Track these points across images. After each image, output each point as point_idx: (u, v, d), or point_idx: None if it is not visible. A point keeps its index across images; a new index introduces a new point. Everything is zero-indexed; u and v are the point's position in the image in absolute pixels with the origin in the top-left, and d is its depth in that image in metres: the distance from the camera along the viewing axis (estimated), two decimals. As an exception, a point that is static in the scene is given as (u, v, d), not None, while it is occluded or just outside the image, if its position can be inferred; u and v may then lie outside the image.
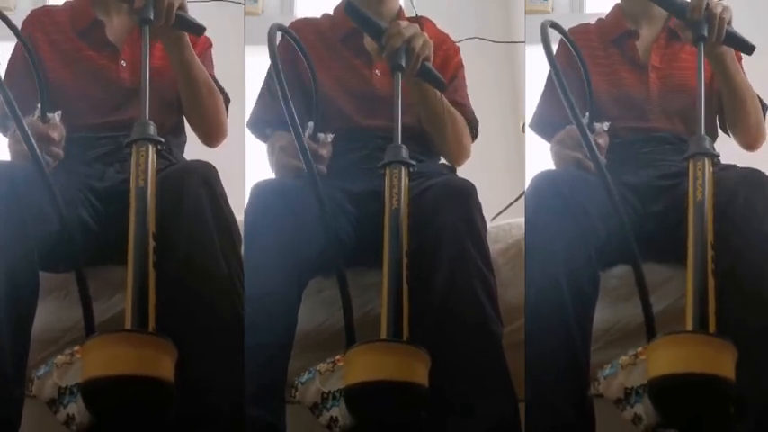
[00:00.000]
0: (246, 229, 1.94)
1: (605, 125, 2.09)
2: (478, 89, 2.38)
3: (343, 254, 1.94)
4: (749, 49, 2.05)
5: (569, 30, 2.28)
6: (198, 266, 1.86)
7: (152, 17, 1.93)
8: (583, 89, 2.12)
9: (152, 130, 1.87)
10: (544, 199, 1.94)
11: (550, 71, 1.91)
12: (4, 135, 2.13)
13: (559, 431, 1.87)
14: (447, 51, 2.29)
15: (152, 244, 1.79)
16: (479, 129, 2.31)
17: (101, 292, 1.98)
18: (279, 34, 1.98)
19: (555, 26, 1.99)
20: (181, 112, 2.23)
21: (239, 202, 1.98)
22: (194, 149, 2.26)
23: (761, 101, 2.22)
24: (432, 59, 2.05)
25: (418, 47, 2.00)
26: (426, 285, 1.91)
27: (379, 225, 1.93)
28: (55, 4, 2.40)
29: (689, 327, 1.77)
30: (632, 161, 2.17)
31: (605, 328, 2.04)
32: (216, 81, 2.22)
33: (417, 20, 2.27)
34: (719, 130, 2.26)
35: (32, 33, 2.18)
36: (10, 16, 1.96)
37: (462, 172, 2.27)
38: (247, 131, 2.25)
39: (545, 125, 2.22)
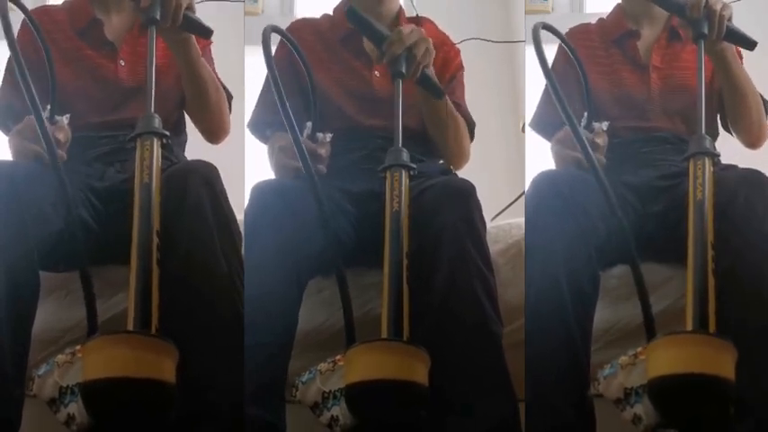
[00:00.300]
0: (246, 228, 1.94)
1: (604, 125, 2.09)
2: (478, 89, 2.39)
3: (342, 254, 1.94)
4: (751, 44, 2.04)
5: (570, 29, 2.29)
6: (198, 265, 1.86)
7: (158, 17, 1.92)
8: (582, 89, 2.12)
9: (157, 123, 1.86)
10: (544, 199, 1.94)
11: (549, 71, 1.90)
12: (5, 134, 2.13)
13: (559, 431, 1.88)
14: (447, 53, 2.29)
15: (156, 241, 1.79)
16: (479, 129, 2.31)
17: (101, 292, 1.97)
18: (275, 36, 1.99)
19: (548, 27, 1.99)
20: (182, 110, 2.24)
21: (239, 201, 1.98)
22: (194, 149, 2.26)
23: (762, 98, 2.22)
24: (431, 66, 2.05)
25: (420, 55, 2.00)
26: (426, 285, 1.91)
27: (379, 225, 1.93)
28: (54, 3, 2.40)
29: (689, 327, 1.77)
30: (632, 161, 2.17)
31: (605, 329, 2.03)
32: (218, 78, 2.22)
33: (417, 20, 2.26)
34: (721, 129, 2.26)
35: (31, 34, 2.18)
36: (10, 16, 1.95)
37: (462, 172, 2.27)
38: (247, 132, 2.25)
39: (545, 125, 2.22)
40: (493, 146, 3.01)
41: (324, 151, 2.07)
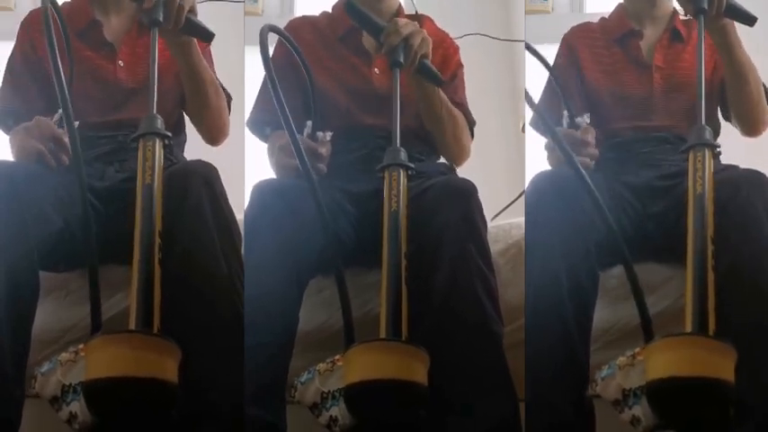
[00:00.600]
0: (246, 228, 1.94)
1: (586, 117, 2.07)
2: (478, 89, 2.38)
3: (342, 253, 1.94)
4: (751, 20, 2.01)
5: (572, 28, 2.29)
6: (198, 265, 1.86)
7: (161, 19, 1.92)
8: (582, 88, 2.12)
9: (159, 123, 1.86)
10: (544, 198, 1.94)
11: (549, 73, 1.90)
12: (6, 133, 2.13)
13: (558, 429, 1.87)
14: (447, 50, 2.29)
15: (158, 241, 1.79)
16: (479, 129, 2.31)
17: (101, 292, 1.98)
18: (274, 35, 1.99)
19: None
20: (181, 111, 2.24)
21: (239, 201, 1.98)
22: (194, 149, 2.26)
23: (763, 84, 2.20)
24: (430, 57, 2.05)
25: (416, 44, 2.00)
26: (427, 285, 1.91)
27: (379, 225, 1.93)
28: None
29: (688, 326, 1.76)
30: (632, 161, 2.17)
31: (605, 329, 2.03)
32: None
33: (417, 17, 2.27)
34: (722, 120, 2.24)
35: (32, 34, 2.18)
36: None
37: (462, 172, 2.27)
38: (247, 131, 2.25)
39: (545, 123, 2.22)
40: (493, 146, 3.00)
41: (324, 150, 2.07)
